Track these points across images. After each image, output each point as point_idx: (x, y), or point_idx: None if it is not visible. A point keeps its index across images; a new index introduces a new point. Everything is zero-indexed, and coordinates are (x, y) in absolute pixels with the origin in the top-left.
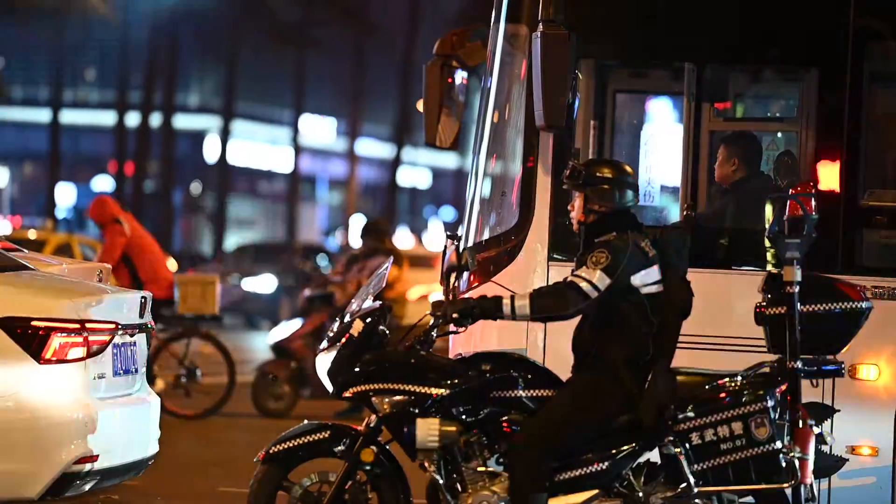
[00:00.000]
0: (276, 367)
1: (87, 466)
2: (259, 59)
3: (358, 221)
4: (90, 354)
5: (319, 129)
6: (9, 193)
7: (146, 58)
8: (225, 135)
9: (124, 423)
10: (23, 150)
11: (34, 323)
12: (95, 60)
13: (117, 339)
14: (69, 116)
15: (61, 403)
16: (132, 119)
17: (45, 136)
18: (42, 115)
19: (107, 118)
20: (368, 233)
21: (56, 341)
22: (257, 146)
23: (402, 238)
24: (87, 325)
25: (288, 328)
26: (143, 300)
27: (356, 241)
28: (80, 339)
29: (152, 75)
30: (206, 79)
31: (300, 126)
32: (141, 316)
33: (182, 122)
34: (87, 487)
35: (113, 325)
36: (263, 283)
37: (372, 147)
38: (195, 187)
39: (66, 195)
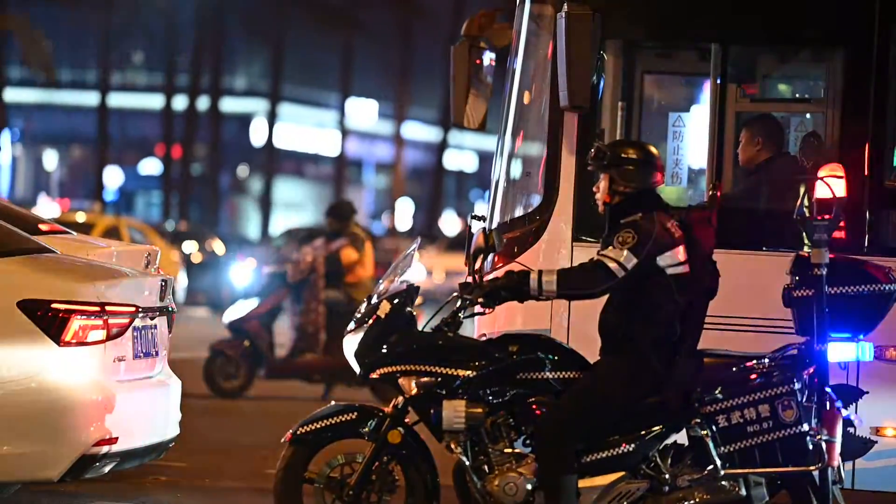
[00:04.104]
0: (229, 347)
1: (107, 448)
2: (306, 42)
3: (405, 205)
4: (110, 337)
5: (366, 112)
6: (57, 176)
7: (193, 41)
8: (272, 118)
9: (144, 406)
10: (71, 134)
11: (54, 305)
12: (143, 44)
13: (137, 322)
14: (117, 100)
15: (81, 386)
16: (179, 102)
17: (93, 119)
18: (90, 99)
19: (154, 101)
20: (333, 214)
21: (76, 324)
22: (304, 129)
23: (449, 221)
24: (107, 308)
25: (244, 307)
26: (163, 283)
27: (402, 224)
28: (99, 322)
29: (199, 58)
30: (253, 62)
31: (347, 109)
32: (161, 299)
33: (229, 105)
34: (106, 469)
35: (133, 308)
36: None
37: (418, 130)
38: (242, 170)
39: (113, 178)
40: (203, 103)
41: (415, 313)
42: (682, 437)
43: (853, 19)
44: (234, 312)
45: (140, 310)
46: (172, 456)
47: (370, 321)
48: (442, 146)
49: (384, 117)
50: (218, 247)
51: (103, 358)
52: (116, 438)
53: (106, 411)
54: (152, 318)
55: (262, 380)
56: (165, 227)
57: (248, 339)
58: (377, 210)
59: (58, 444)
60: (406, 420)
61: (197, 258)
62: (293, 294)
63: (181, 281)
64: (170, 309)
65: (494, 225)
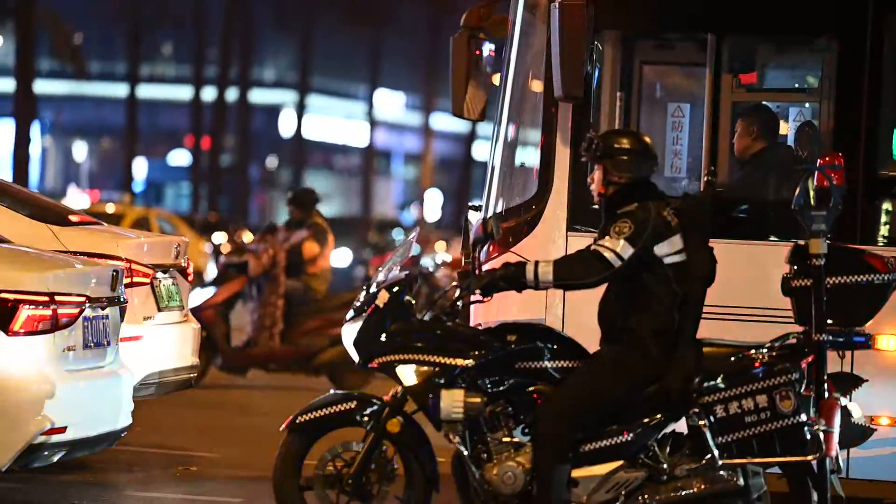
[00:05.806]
0: None
1: (55, 438)
2: (335, 34)
3: (433, 196)
4: (59, 327)
5: (394, 103)
6: (87, 167)
7: (222, 32)
8: (300, 109)
9: (94, 396)
10: (100, 125)
11: (2, 295)
12: (172, 35)
13: (88, 312)
14: (146, 91)
15: (29, 375)
16: (208, 94)
17: (122, 110)
18: (119, 90)
19: (183, 93)
20: (295, 203)
21: (24, 313)
22: (333, 120)
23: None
24: (57, 298)
25: (201, 295)
26: (114, 273)
27: (431, 215)
28: (48, 312)
29: (228, 50)
30: (282, 53)
31: (375, 100)
32: (112, 289)
33: (258, 96)
34: (54, 458)
35: (82, 298)
36: (338, 257)
37: (447, 121)
38: (271, 161)
39: (142, 169)
40: (232, 94)
41: (413, 302)
42: (680, 426)
43: (848, 9)
44: (190, 301)
45: (90, 300)
46: (204, 446)
47: (369, 310)
48: (471, 137)
49: (413, 108)
50: (247, 238)
51: (52, 347)
52: (65, 428)
53: (54, 400)
54: (103, 308)
55: (219, 370)
56: (195, 218)
57: (204, 328)
58: (406, 201)
59: (5, 432)
60: (405, 409)
61: (226, 249)
62: (254, 284)
63: (210, 271)
64: (121, 299)
65: (489, 214)
